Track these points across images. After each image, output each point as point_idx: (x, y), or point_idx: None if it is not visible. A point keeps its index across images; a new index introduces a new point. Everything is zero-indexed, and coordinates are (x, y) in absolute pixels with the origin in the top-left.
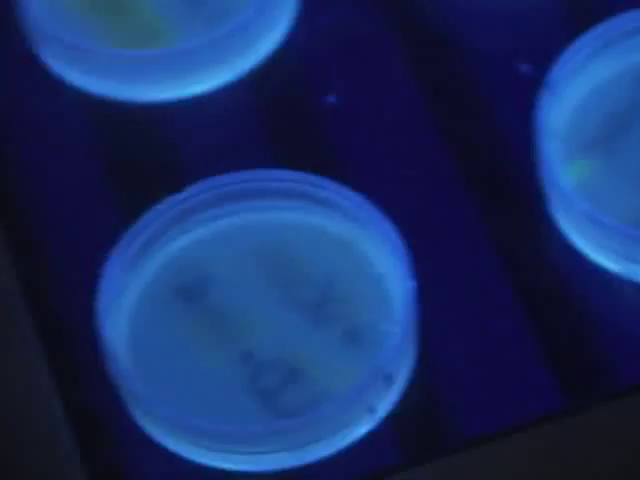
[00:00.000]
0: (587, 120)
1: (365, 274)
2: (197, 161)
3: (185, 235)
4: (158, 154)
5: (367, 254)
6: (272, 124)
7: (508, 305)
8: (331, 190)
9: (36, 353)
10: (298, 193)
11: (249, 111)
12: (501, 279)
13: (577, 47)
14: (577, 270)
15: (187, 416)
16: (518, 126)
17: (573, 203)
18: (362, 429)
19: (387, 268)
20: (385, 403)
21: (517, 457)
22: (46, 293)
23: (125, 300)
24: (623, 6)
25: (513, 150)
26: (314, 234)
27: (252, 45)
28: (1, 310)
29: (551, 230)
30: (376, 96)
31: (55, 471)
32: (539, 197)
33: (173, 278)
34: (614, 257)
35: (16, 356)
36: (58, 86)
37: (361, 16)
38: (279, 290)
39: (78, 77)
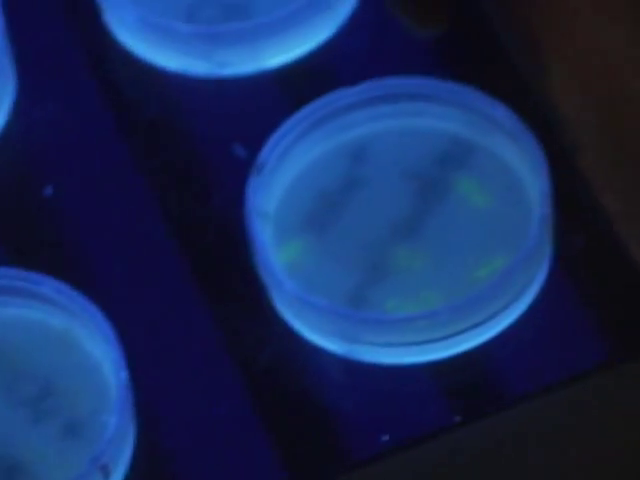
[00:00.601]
0: (299, 200)
1: (83, 367)
2: None
3: None
4: None
5: (85, 347)
6: None
7: (231, 388)
8: (49, 286)
9: None
10: (16, 289)
11: None
12: (222, 361)
13: (286, 128)
14: (295, 351)
15: None
16: (234, 208)
17: (283, 284)
18: None
19: (103, 360)
20: None
21: None
22: None
23: None
24: (335, 84)
25: (230, 232)
26: (33, 330)
27: None
28: None
29: (269, 312)
30: (95, 186)
31: None
32: (257, 279)
33: None
34: (330, 337)
35: None
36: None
37: (78, 106)
38: None
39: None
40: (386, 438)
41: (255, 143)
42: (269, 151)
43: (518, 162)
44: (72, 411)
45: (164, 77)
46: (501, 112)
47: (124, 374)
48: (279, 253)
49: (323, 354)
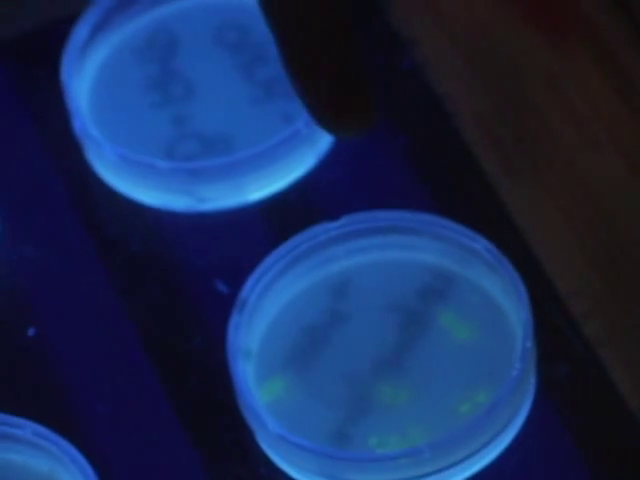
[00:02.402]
0: (282, 337)
1: None
2: None
3: None
4: None
5: None
6: None
7: None
8: (30, 430)
9: None
10: None
11: None
12: None
13: (267, 264)
14: None
15: None
16: (216, 346)
17: (267, 425)
18: None
19: None
20: None
21: None
22: None
23: None
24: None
25: (213, 370)
26: (16, 474)
27: None
28: None
29: (254, 451)
30: (79, 326)
31: None
32: (241, 418)
33: None
34: (315, 476)
35: None
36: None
37: (61, 244)
38: None
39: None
40: None
41: (237, 279)
42: (250, 288)
43: (499, 294)
44: None
45: (146, 213)
46: (481, 244)
47: None
48: (262, 391)
49: None
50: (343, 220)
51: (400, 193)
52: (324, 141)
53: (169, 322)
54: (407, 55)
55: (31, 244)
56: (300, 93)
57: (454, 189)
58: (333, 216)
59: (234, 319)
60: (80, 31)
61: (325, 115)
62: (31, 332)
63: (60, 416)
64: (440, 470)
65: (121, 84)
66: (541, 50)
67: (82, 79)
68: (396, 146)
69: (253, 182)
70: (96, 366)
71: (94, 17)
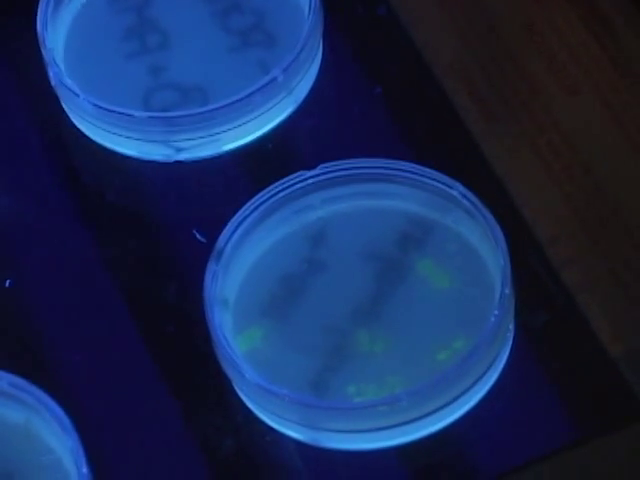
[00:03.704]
0: (259, 286)
1: (44, 461)
2: None
3: None
4: None
5: (44, 441)
6: None
7: (196, 477)
8: (6, 380)
9: None
10: None
11: None
12: (187, 451)
13: (243, 213)
14: (259, 439)
15: None
16: (194, 295)
17: (244, 374)
18: None
19: (63, 454)
20: None
21: None
22: None
23: None
24: (294, 166)
25: (190, 319)
26: None
27: None
28: None
29: (232, 400)
30: (55, 275)
31: None
32: (219, 367)
33: None
34: (294, 425)
35: None
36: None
37: (37, 194)
38: None
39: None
40: None
41: (214, 228)
42: (226, 237)
43: (477, 241)
44: None
45: (123, 163)
46: (459, 191)
47: (85, 469)
48: (239, 341)
49: (287, 442)
50: (320, 168)
51: (377, 141)
52: (301, 89)
53: (146, 272)
54: (384, 3)
55: (8, 195)
56: None
57: (432, 137)
58: (310, 165)
59: (211, 268)
60: None
61: None
62: (7, 283)
63: (36, 366)
64: (418, 418)
65: (96, 34)
66: None
67: (57, 29)
68: (373, 94)
69: (230, 131)
70: (72, 316)
71: None
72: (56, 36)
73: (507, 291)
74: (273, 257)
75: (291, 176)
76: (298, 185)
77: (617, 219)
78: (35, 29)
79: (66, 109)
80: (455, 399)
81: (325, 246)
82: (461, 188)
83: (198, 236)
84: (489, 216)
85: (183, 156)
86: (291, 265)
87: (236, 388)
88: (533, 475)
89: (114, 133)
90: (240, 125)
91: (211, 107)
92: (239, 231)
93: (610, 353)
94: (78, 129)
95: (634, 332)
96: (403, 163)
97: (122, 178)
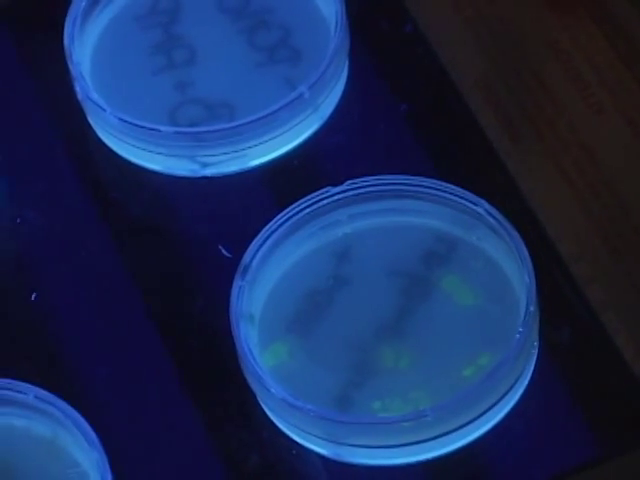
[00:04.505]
0: (284, 301)
1: (70, 475)
2: None
3: None
4: None
5: (71, 455)
6: None
7: None
8: (33, 394)
9: None
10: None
11: None
12: (212, 465)
13: (269, 229)
14: (284, 454)
15: None
16: (219, 310)
17: (270, 389)
18: None
19: (90, 467)
20: None
21: None
22: None
23: None
24: (320, 182)
25: (216, 334)
26: (18, 438)
27: None
28: None
29: (257, 415)
30: (81, 290)
31: None
32: (244, 382)
33: None
34: (318, 440)
35: None
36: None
37: (64, 209)
38: None
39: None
40: None
41: (240, 244)
42: (253, 253)
43: (502, 258)
44: None
45: (149, 178)
46: (484, 208)
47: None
48: (265, 356)
49: (312, 456)
50: (346, 185)
51: (403, 158)
52: (327, 106)
53: (171, 287)
54: (410, 21)
55: (34, 209)
56: None
57: (457, 154)
58: (336, 181)
59: (237, 284)
60: None
61: None
62: (33, 296)
63: (63, 380)
64: (443, 434)
65: (123, 49)
66: (545, 16)
67: (84, 44)
68: (399, 111)
69: (256, 147)
70: (98, 330)
71: None
72: (83, 50)
73: (532, 308)
74: (299, 273)
75: (317, 192)
76: (324, 201)
77: None
78: (62, 43)
79: (92, 124)
80: (480, 415)
81: (350, 262)
82: (486, 205)
83: (224, 251)
84: (514, 233)
85: (209, 171)
86: (317, 281)
87: (261, 403)
88: None
89: (140, 148)
90: (266, 141)
91: (238, 123)
92: (265, 247)
93: (634, 370)
94: (104, 144)
95: None
96: (429, 180)
97: (148, 193)
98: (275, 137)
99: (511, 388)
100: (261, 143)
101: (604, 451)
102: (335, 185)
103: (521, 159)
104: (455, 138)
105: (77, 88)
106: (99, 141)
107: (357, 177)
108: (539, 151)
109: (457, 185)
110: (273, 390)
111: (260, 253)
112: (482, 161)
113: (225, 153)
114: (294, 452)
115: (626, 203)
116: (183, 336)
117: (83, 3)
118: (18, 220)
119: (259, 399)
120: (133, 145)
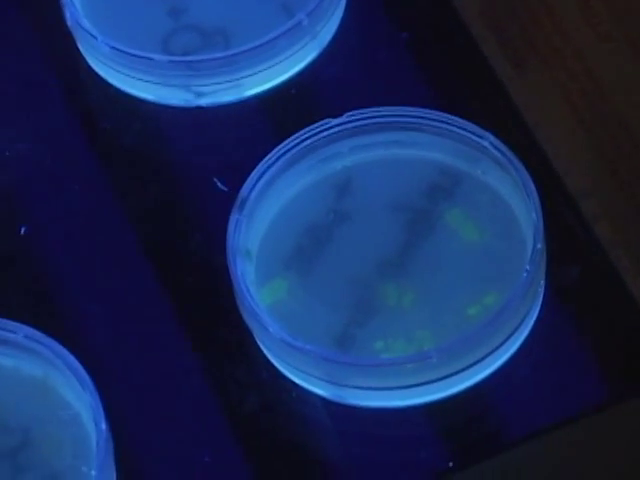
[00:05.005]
0: (283, 237)
1: (61, 416)
2: None
3: None
4: None
5: (62, 396)
6: None
7: (217, 434)
8: (23, 333)
9: None
10: None
11: None
12: (208, 406)
13: (267, 162)
14: (282, 395)
15: None
16: (216, 245)
17: (268, 328)
18: None
19: (82, 409)
20: None
21: None
22: None
23: None
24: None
25: (212, 270)
26: (8, 378)
27: None
28: None
29: (254, 354)
30: (72, 223)
31: None
32: (242, 320)
33: None
34: (318, 381)
35: None
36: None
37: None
38: None
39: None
40: None
41: (237, 176)
42: (250, 186)
43: (508, 193)
44: (52, 462)
45: (142, 107)
46: (489, 141)
47: (104, 426)
48: (263, 293)
49: (311, 398)
50: (346, 116)
51: (403, 89)
52: (326, 33)
53: (166, 221)
54: None
55: (24, 140)
56: None
57: (461, 85)
58: (335, 112)
59: (233, 218)
60: None
61: None
62: (22, 230)
63: (54, 319)
64: (447, 376)
65: None
66: None
67: None
68: (400, 40)
69: (252, 76)
70: (91, 267)
71: None
72: None
73: (539, 246)
74: (298, 207)
75: (317, 124)
76: (324, 133)
77: None
78: None
79: (83, 52)
80: (485, 356)
81: (351, 196)
82: (492, 138)
83: (219, 184)
84: (521, 168)
85: (204, 101)
86: (316, 215)
87: (259, 342)
88: (563, 434)
89: (132, 77)
90: (263, 70)
91: (233, 51)
92: (263, 180)
93: None
94: (95, 72)
95: None
96: (432, 111)
97: (141, 123)
98: (272, 66)
99: (517, 329)
100: (257, 72)
101: (613, 394)
102: (334, 116)
103: (526, 89)
104: (458, 68)
105: (67, 14)
106: (90, 69)
107: (356, 108)
108: (545, 81)
109: (460, 117)
110: (271, 329)
111: (257, 186)
112: (486, 92)
113: (220, 82)
114: (294, 394)
115: (636, 136)
116: (179, 272)
117: None
118: (7, 153)
119: (257, 338)
120: (125, 74)
